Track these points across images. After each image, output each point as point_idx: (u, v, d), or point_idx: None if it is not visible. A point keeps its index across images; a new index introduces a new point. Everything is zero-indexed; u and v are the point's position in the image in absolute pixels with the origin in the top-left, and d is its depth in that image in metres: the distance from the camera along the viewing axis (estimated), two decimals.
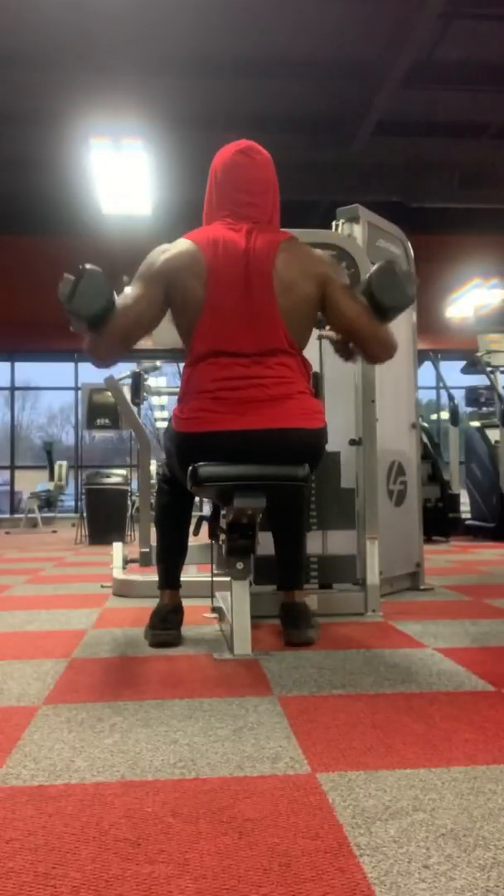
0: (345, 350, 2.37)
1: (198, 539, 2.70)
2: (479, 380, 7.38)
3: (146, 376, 4.48)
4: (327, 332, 2.38)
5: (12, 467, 14.61)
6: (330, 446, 2.39)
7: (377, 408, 2.90)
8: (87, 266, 2.08)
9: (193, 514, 2.52)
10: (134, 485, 7.74)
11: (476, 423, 7.19)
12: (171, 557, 2.43)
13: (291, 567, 2.41)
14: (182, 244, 2.22)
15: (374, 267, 2.21)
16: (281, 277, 2.16)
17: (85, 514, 7.32)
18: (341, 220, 3.17)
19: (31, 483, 14.87)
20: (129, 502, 7.46)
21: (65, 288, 2.06)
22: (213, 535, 2.39)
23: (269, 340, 2.15)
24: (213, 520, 2.37)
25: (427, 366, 8.31)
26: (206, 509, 2.59)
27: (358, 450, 2.88)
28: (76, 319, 2.12)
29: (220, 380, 2.12)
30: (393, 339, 2.28)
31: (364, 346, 2.26)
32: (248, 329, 2.14)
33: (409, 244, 3.59)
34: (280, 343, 2.15)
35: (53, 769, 1.28)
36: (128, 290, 2.22)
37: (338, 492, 2.79)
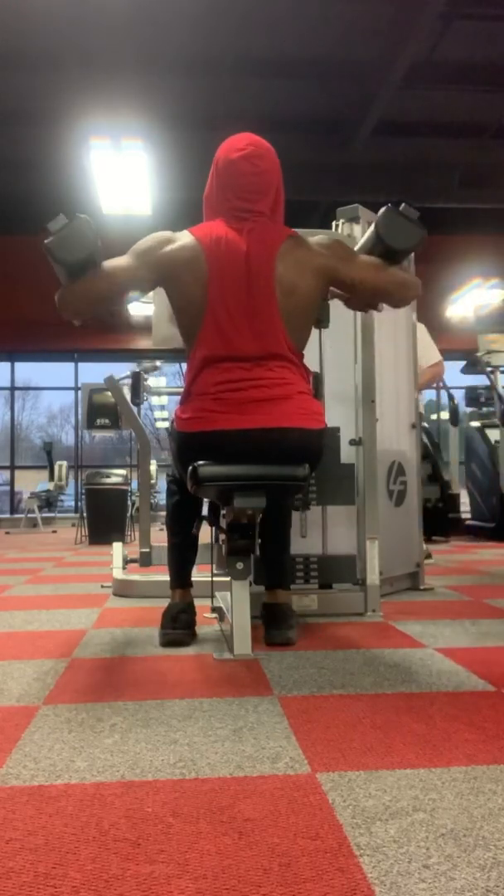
0: (359, 303, 2.39)
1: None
2: (479, 380, 7.38)
3: (146, 376, 4.47)
4: (334, 290, 2.35)
5: (12, 467, 14.62)
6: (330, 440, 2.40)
7: (377, 408, 2.90)
8: (83, 215, 2.05)
9: None
10: (134, 485, 7.74)
11: (476, 423, 7.19)
12: (181, 556, 2.44)
13: (278, 566, 2.42)
14: (185, 239, 2.20)
15: (379, 213, 2.21)
16: (282, 280, 2.16)
17: (85, 514, 7.32)
18: (341, 220, 3.17)
19: (31, 483, 14.90)
20: (129, 502, 7.46)
21: (54, 225, 2.03)
22: (213, 522, 2.38)
23: (271, 345, 2.15)
24: (213, 511, 2.36)
25: None
26: (206, 509, 2.59)
27: (358, 450, 2.88)
28: (55, 262, 2.08)
29: (221, 382, 2.12)
30: (412, 276, 2.33)
31: (388, 296, 2.29)
32: (249, 334, 2.14)
33: None
34: (281, 348, 2.15)
35: (53, 769, 1.28)
36: (118, 259, 2.19)
37: (337, 467, 2.78)
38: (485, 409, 7.31)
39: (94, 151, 7.20)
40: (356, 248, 2.35)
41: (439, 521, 6.45)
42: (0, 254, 12.64)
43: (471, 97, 8.56)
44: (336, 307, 2.43)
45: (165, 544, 2.54)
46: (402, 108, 8.51)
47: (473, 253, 12.01)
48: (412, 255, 3.60)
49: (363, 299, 2.34)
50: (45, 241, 2.03)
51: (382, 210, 2.19)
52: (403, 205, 2.19)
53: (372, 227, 2.22)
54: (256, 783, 1.20)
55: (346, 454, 2.86)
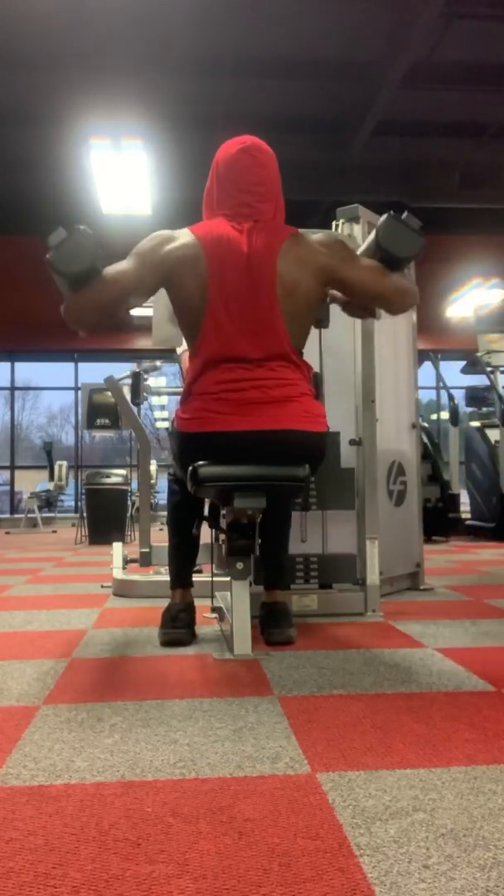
0: (358, 308, 2.37)
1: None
2: (479, 380, 7.38)
3: (146, 376, 4.47)
4: (334, 293, 2.34)
5: (12, 467, 14.62)
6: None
7: (377, 408, 2.90)
8: (82, 226, 2.05)
9: None
10: (134, 485, 7.74)
11: (476, 423, 7.20)
12: (181, 556, 2.44)
13: (277, 566, 2.43)
14: (185, 237, 2.19)
15: (380, 220, 2.21)
16: (284, 280, 2.14)
17: (85, 514, 7.32)
18: (341, 220, 3.17)
19: (31, 483, 14.89)
20: (129, 502, 7.46)
21: (54, 239, 2.03)
22: (213, 524, 2.39)
23: (272, 345, 2.14)
24: (213, 511, 2.37)
25: (427, 366, 8.30)
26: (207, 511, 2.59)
27: (358, 450, 2.88)
28: (57, 276, 2.08)
29: (223, 382, 2.12)
30: (412, 284, 2.30)
31: (387, 302, 2.27)
32: (251, 335, 2.13)
33: None
34: (283, 349, 2.15)
35: (53, 769, 1.28)
36: (120, 264, 2.18)
37: (337, 472, 2.78)
38: (485, 409, 7.31)
39: (94, 151, 7.20)
40: (358, 253, 2.35)
41: (439, 521, 6.45)
42: (0, 253, 12.64)
43: (471, 97, 8.55)
44: (335, 307, 2.43)
45: (165, 544, 2.54)
46: (402, 108, 8.50)
47: (473, 253, 12.00)
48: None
49: (361, 303, 2.32)
50: (47, 256, 2.03)
51: (384, 217, 2.19)
52: (406, 213, 2.18)
53: (373, 234, 2.22)
54: (256, 783, 1.20)
55: (347, 455, 2.86)
